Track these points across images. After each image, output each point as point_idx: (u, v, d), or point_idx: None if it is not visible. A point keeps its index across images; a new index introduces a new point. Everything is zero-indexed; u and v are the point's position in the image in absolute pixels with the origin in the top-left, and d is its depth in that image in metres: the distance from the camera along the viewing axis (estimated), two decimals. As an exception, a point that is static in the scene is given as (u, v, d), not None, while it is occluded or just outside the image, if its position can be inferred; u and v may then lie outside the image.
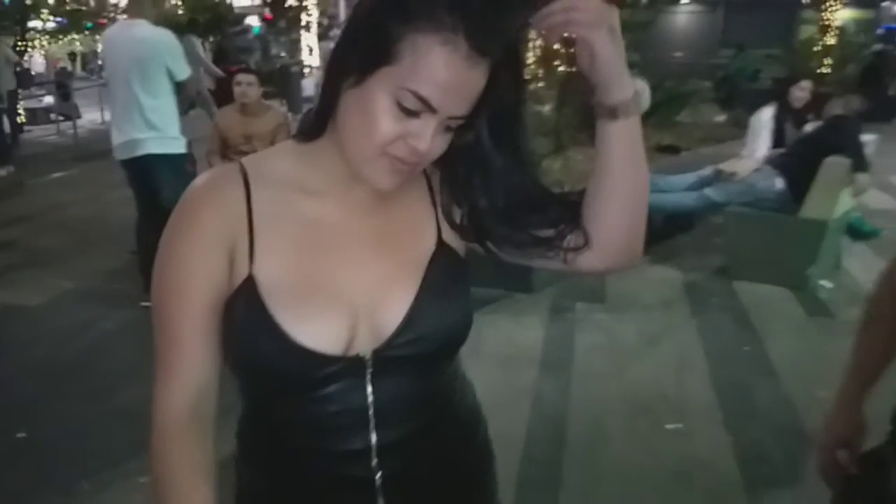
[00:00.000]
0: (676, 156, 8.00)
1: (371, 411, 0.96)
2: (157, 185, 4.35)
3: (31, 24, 14.98)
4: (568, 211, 1.01)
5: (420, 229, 1.02)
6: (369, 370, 0.95)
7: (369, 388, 0.95)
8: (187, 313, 0.93)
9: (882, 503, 1.33)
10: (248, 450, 1.06)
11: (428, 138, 0.87)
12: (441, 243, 1.02)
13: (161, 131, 4.33)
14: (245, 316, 0.91)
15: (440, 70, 0.83)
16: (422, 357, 0.97)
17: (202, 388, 0.95)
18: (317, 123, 0.95)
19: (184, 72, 4.40)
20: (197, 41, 10.74)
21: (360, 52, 0.86)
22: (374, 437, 0.97)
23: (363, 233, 0.99)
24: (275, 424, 1.01)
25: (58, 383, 3.57)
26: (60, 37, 18.15)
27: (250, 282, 0.91)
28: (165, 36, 4.36)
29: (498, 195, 0.98)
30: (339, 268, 0.96)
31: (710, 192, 5.23)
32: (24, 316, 4.51)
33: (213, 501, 0.95)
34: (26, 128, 12.38)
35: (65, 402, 3.36)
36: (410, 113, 0.85)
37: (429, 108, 0.85)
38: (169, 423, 0.94)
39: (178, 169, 4.45)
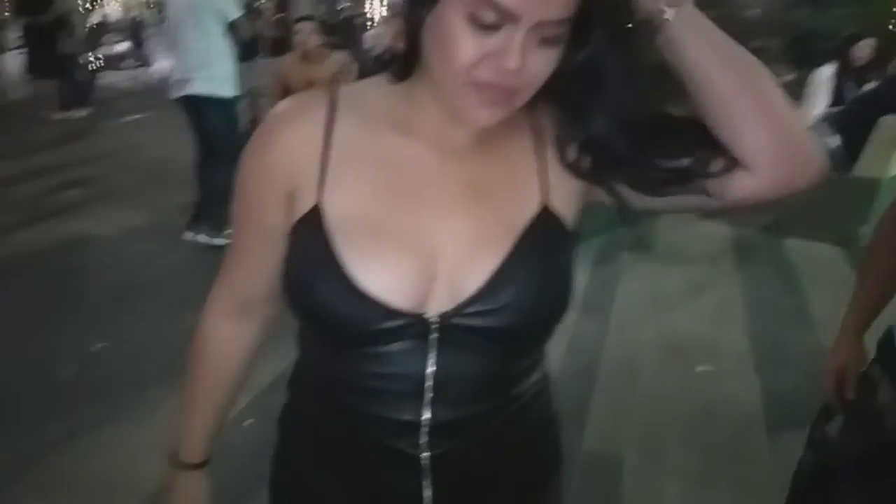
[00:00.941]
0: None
1: (429, 383, 0.86)
2: (203, 125, 4.54)
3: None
4: (702, 132, 0.83)
5: (521, 187, 0.89)
6: (435, 335, 0.85)
7: (432, 357, 0.85)
8: (246, 231, 0.95)
9: (867, 417, 1.46)
10: (297, 400, 1.03)
11: (516, 53, 0.73)
12: (545, 208, 0.88)
13: (207, 71, 4.43)
14: (306, 248, 0.85)
15: None
16: (497, 332, 0.85)
17: (251, 297, 1.00)
18: (402, 63, 0.86)
19: (233, 12, 4.50)
20: None
21: None
22: (426, 413, 0.88)
23: (454, 181, 0.87)
24: (327, 378, 0.95)
25: (128, 305, 3.85)
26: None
27: (315, 212, 0.84)
28: None
29: (618, 120, 0.82)
30: (421, 215, 0.86)
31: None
32: (100, 245, 4.82)
33: (232, 388, 1.07)
34: (102, 73, 12.86)
35: (134, 320, 3.64)
36: (490, 27, 0.73)
37: (508, 16, 0.72)
38: (212, 312, 1.03)
39: (224, 111, 4.56)
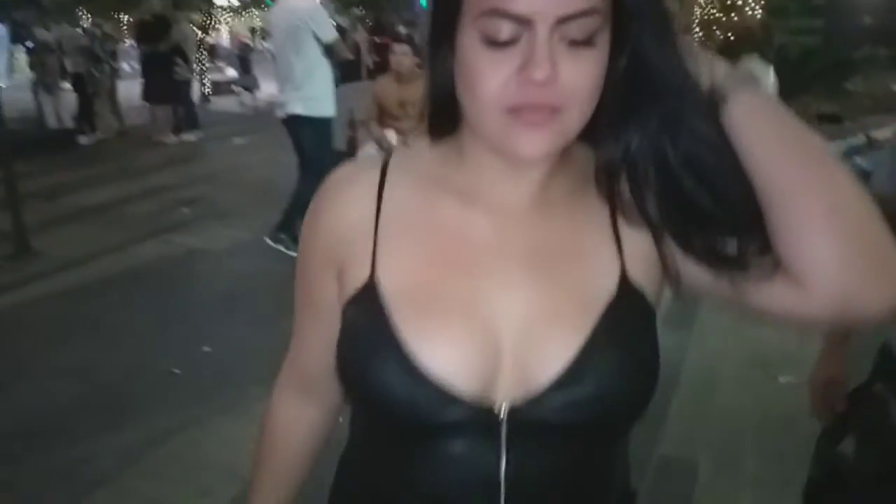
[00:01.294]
0: (838, 126, 7.70)
1: (502, 488, 0.75)
2: (299, 145, 4.83)
3: (218, 2, 16.31)
4: (756, 219, 0.70)
5: (595, 255, 0.78)
6: (505, 430, 0.74)
7: (503, 454, 0.74)
8: (305, 305, 0.91)
9: (883, 437, 1.51)
10: (346, 487, 0.94)
11: (542, 61, 0.64)
12: (625, 281, 0.77)
13: (304, 92, 4.70)
14: (360, 323, 0.78)
15: None
16: (579, 428, 0.75)
17: (313, 375, 0.93)
18: (438, 117, 0.78)
19: (329, 34, 4.75)
20: None
21: (437, 17, 0.72)
22: None
23: (516, 249, 0.78)
24: (381, 476, 0.84)
25: (234, 312, 4.16)
26: (242, 13, 19.69)
27: (369, 286, 0.77)
28: (310, 4, 4.75)
29: (670, 140, 0.70)
30: (480, 288, 0.76)
31: (861, 161, 5.10)
32: (209, 258, 5.20)
33: (292, 471, 1.00)
34: (212, 98, 13.65)
35: (240, 326, 3.93)
36: (506, 43, 0.65)
37: (519, 20, 0.64)
38: (282, 380, 1.00)
39: (319, 131, 4.80)
